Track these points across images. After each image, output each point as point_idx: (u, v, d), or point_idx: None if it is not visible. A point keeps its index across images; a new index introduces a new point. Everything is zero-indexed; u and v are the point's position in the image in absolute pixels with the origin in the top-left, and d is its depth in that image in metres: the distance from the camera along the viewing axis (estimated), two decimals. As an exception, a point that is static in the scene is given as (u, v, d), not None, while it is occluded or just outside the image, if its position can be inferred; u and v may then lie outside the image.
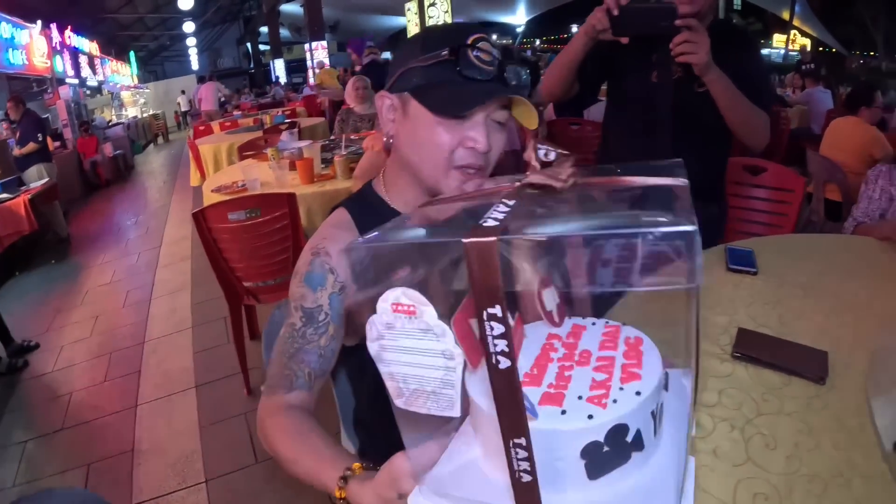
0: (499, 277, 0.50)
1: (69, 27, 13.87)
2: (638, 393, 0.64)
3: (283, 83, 20.89)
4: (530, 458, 0.58)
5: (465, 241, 0.50)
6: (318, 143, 4.21)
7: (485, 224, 0.53)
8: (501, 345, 0.52)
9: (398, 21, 19.33)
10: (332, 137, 4.77)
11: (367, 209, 1.19)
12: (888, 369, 1.28)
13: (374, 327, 0.61)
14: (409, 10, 11.90)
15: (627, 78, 1.97)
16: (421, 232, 0.67)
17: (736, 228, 2.72)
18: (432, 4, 11.28)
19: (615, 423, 0.62)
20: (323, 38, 18.91)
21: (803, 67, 10.13)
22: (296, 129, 4.93)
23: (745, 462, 0.99)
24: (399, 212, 1.17)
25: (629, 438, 0.64)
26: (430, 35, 1.09)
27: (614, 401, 0.63)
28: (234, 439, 2.75)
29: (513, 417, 0.56)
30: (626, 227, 0.53)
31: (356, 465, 0.86)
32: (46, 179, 6.76)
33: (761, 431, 1.06)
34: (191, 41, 23.92)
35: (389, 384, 0.63)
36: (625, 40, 1.80)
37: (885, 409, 1.16)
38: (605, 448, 0.63)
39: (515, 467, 0.59)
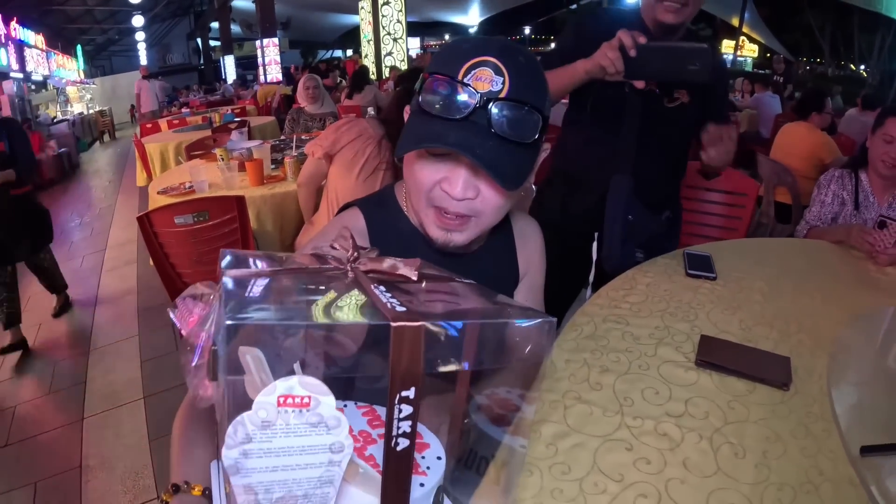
0: (421, 361, 0.51)
1: (14, 18, 13.39)
2: (439, 458, 0.70)
3: (232, 80, 20.52)
4: None
5: (393, 324, 0.50)
6: (268, 143, 4.12)
7: (395, 308, 0.54)
8: (405, 426, 0.53)
9: (352, 19, 19.24)
10: (283, 137, 4.68)
11: (385, 217, 1.09)
12: (848, 374, 1.30)
13: (241, 429, 0.51)
14: (362, 8, 11.80)
15: (598, 88, 1.84)
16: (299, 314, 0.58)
17: (691, 232, 2.75)
18: (386, 3, 11.20)
19: (437, 485, 0.67)
20: (275, 35, 18.65)
21: (775, 78, 10.35)
22: (245, 129, 4.81)
23: (716, 473, 0.98)
24: (414, 226, 1.08)
25: (440, 498, 0.69)
26: (441, 52, 0.93)
27: (428, 467, 0.68)
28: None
29: (397, 496, 0.57)
30: (521, 319, 0.63)
31: (198, 487, 0.79)
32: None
33: (729, 440, 1.05)
34: (140, 35, 23.28)
35: (242, 499, 0.53)
36: (640, 84, 1.63)
37: (849, 414, 1.18)
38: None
39: None
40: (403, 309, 0.54)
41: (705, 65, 1.49)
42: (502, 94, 0.85)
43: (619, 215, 1.78)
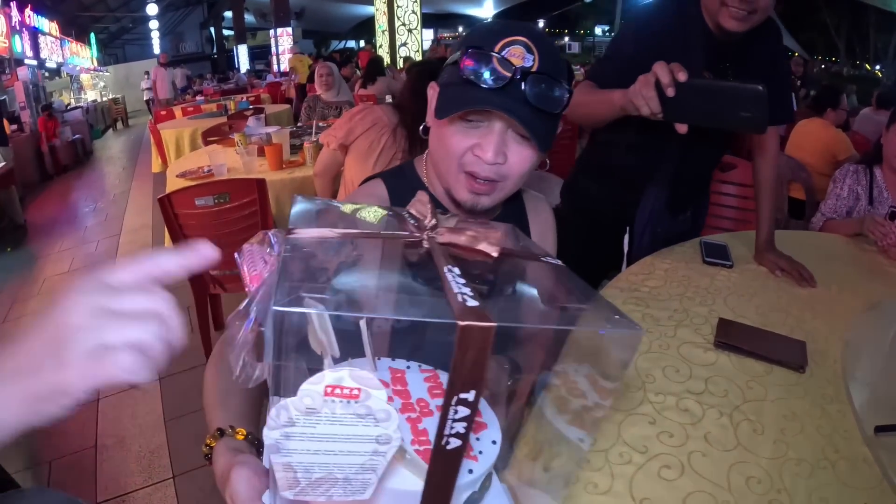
0: (486, 365, 0.47)
1: (29, 6, 13.44)
2: (494, 442, 0.66)
3: (245, 70, 20.55)
4: None
5: (461, 323, 0.46)
6: (286, 128, 4.14)
7: (465, 302, 0.48)
8: (460, 427, 0.50)
9: (365, 10, 19.16)
10: (300, 124, 4.71)
11: (406, 187, 1.12)
12: (861, 358, 1.33)
13: (284, 413, 0.49)
14: (377, -2, 11.82)
15: None
16: (376, 302, 0.58)
17: (707, 223, 2.76)
18: (401, -6, 11.22)
19: (485, 473, 0.64)
20: (288, 25, 18.67)
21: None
22: (262, 115, 4.84)
23: (736, 447, 1.01)
24: (436, 199, 1.12)
25: (488, 483, 0.67)
26: (473, 33, 1.03)
27: (480, 452, 0.64)
28: (200, 433, 2.62)
29: (440, 493, 0.54)
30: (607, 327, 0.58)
31: (241, 430, 0.81)
32: (2, 164, 6.52)
33: (748, 417, 1.08)
34: (153, 24, 23.28)
35: (281, 475, 0.52)
36: (682, 129, 1.38)
37: (863, 395, 1.22)
38: (475, 498, 0.64)
39: None
40: (475, 304, 0.48)
41: (760, 112, 1.26)
42: (534, 69, 0.93)
43: (647, 229, 1.81)
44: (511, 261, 0.66)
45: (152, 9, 20.61)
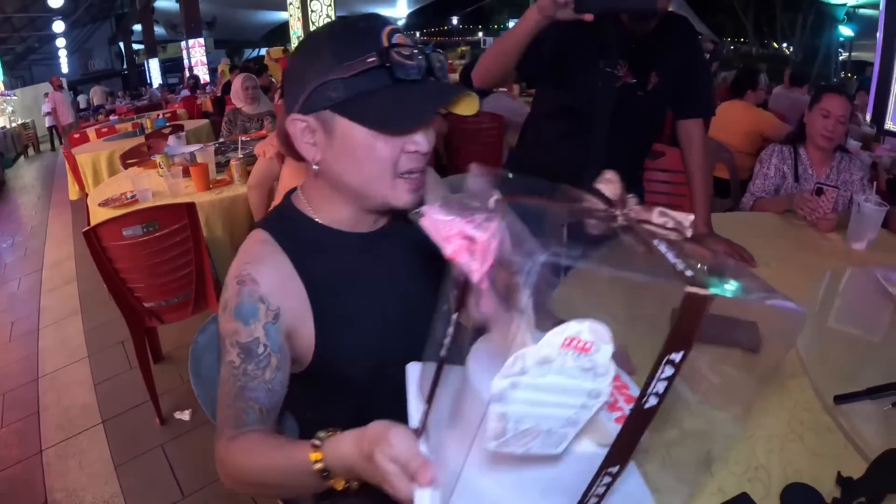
0: (699, 329, 0.49)
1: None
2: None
3: (158, 85, 19.92)
4: (610, 484, 0.60)
5: (688, 289, 0.48)
6: (210, 146, 4.02)
7: (686, 273, 0.50)
8: (661, 387, 0.52)
9: (278, 16, 18.91)
10: (222, 140, 4.59)
11: (290, 228, 1.09)
12: (813, 333, 1.42)
13: (519, 363, 0.52)
14: (290, 4, 11.58)
15: (570, 81, 1.89)
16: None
17: (641, 210, 2.82)
18: (315, -1, 11.06)
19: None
20: (200, 36, 18.21)
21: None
22: (182, 133, 4.69)
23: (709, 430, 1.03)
24: (328, 227, 1.09)
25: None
26: (339, 39, 0.95)
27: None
28: (155, 475, 2.57)
29: (623, 450, 0.57)
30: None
31: (324, 432, 0.84)
32: None
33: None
34: (60, 42, 22.33)
35: (493, 425, 0.55)
36: (589, 17, 1.54)
37: (819, 368, 1.30)
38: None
39: (592, 491, 0.60)
40: (691, 273, 0.51)
41: None
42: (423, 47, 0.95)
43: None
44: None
45: (59, 26, 19.72)
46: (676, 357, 0.51)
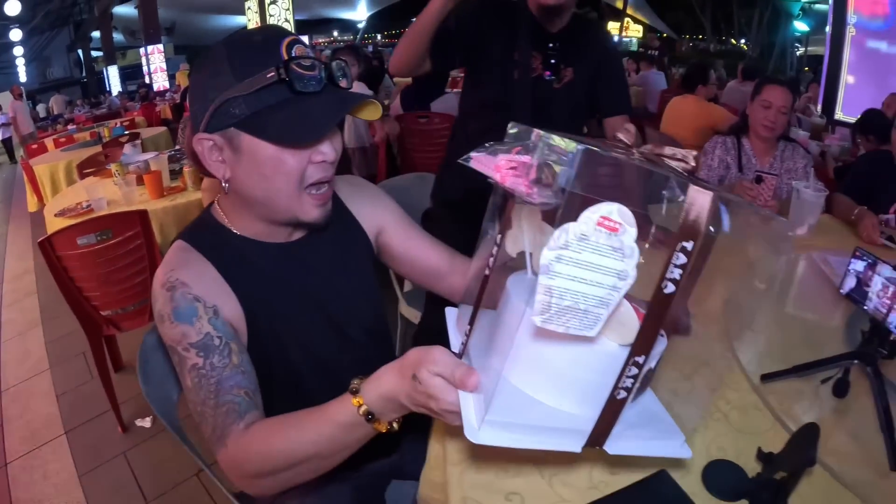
0: (706, 222, 0.60)
1: None
2: (661, 334, 0.77)
3: (117, 92, 19.59)
4: (637, 377, 0.68)
5: (692, 188, 0.60)
6: (164, 153, 4.00)
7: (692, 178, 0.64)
8: (676, 273, 0.61)
9: (238, 20, 18.71)
10: (178, 147, 4.56)
11: (209, 237, 1.10)
12: (741, 315, 1.46)
13: (565, 235, 0.61)
14: (248, 8, 11.51)
15: (487, 73, 1.96)
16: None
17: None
18: (273, 3, 10.97)
19: (659, 355, 0.78)
20: (159, 42, 17.93)
21: (648, 53, 10.92)
22: (138, 141, 4.65)
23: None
24: (246, 238, 1.11)
25: (652, 376, 0.82)
26: (237, 55, 0.95)
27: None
28: (118, 482, 2.56)
29: (648, 338, 0.66)
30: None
31: (357, 379, 0.85)
32: None
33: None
34: (18, 51, 21.86)
35: (540, 297, 0.63)
36: None
37: (746, 349, 1.34)
38: (650, 375, 0.80)
39: (620, 384, 0.69)
40: (695, 181, 0.62)
41: None
42: (323, 59, 0.96)
43: None
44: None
45: (16, 34, 19.31)
46: (689, 245, 0.60)
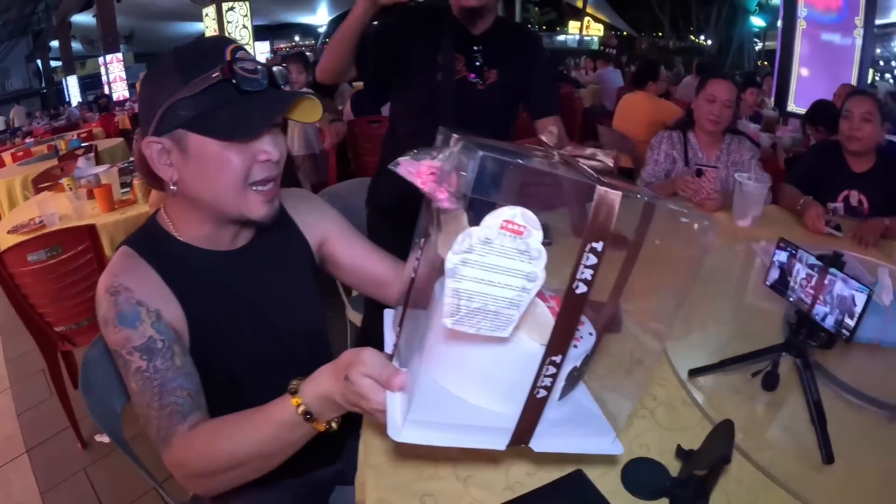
0: (613, 222, 0.62)
1: None
2: (591, 334, 0.83)
3: (77, 103, 19.21)
4: (555, 375, 0.70)
5: (599, 188, 0.62)
6: (115, 166, 3.94)
7: (599, 178, 0.65)
8: (587, 274, 0.63)
9: (197, 27, 18.46)
10: (132, 159, 4.50)
11: (154, 244, 1.12)
12: (672, 310, 1.46)
13: (468, 239, 0.62)
14: (206, 15, 11.39)
15: (412, 77, 1.99)
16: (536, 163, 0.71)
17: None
18: (231, 9, 10.87)
19: (586, 354, 0.80)
20: (118, 51, 17.62)
21: (606, 51, 11.05)
22: (92, 154, 4.58)
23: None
24: (189, 245, 1.13)
25: (584, 371, 0.84)
26: (184, 60, 1.00)
27: (581, 336, 0.80)
28: (79, 498, 2.54)
29: (562, 338, 0.68)
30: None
31: (295, 380, 0.89)
32: None
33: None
34: (-24, 63, 21.40)
35: (449, 300, 0.64)
36: None
37: (675, 346, 1.36)
38: (576, 374, 0.81)
39: (539, 383, 0.70)
40: (606, 181, 0.64)
41: None
42: (270, 63, 0.99)
43: None
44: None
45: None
46: (598, 246, 0.62)
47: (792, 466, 1.03)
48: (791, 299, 1.22)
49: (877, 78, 11.94)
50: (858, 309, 1.02)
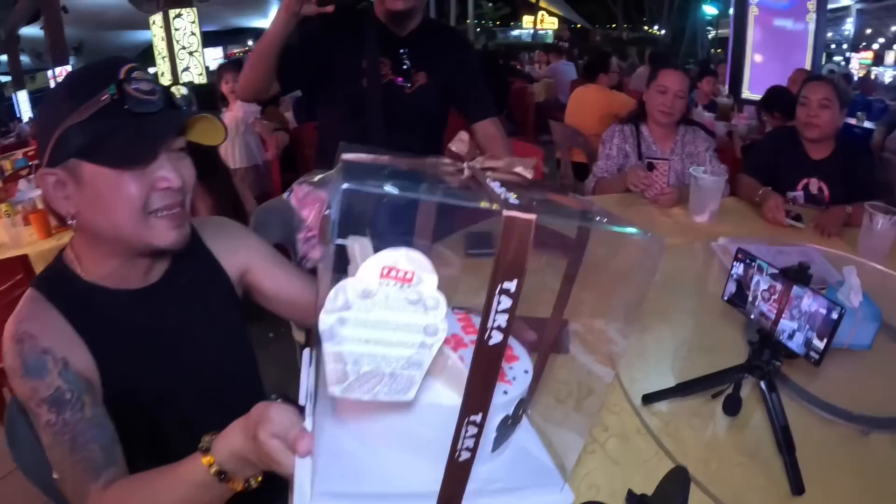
0: (528, 254, 0.49)
1: None
2: (526, 371, 0.73)
3: (28, 119, 18.75)
4: (478, 436, 0.58)
5: (505, 212, 0.48)
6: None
7: (508, 199, 0.51)
8: (502, 320, 0.51)
9: (146, 35, 18.17)
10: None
11: (59, 284, 1.03)
12: (627, 333, 1.37)
13: (343, 295, 0.51)
14: (153, 23, 11.12)
15: (337, 85, 1.90)
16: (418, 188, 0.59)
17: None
18: (178, 16, 10.60)
19: (521, 397, 0.70)
20: (67, 63, 17.18)
21: (559, 44, 11.10)
22: (33, 176, 4.37)
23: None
24: (96, 285, 1.05)
25: (520, 412, 0.73)
26: (75, 84, 0.95)
27: (514, 378, 0.70)
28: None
29: (480, 394, 0.56)
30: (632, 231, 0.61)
31: (208, 435, 0.82)
32: None
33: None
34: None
35: (331, 367, 0.54)
36: (330, 8, 1.64)
37: (629, 366, 1.26)
38: (509, 422, 0.70)
39: (460, 445, 0.59)
40: (517, 202, 0.51)
41: None
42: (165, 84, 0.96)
43: None
44: (543, 186, 0.70)
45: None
46: (510, 286, 0.50)
47: (758, 499, 0.95)
48: (752, 316, 1.09)
49: (831, 62, 12.13)
50: (828, 328, 0.91)
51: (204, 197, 2.29)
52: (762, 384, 1.05)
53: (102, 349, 1.02)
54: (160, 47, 11.12)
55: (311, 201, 0.66)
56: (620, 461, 1.02)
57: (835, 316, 0.89)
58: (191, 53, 10.82)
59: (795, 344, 0.97)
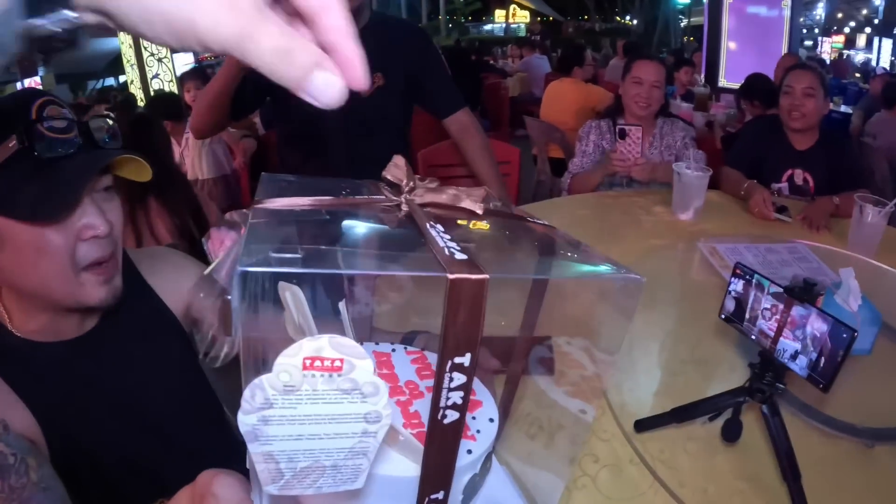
0: (481, 322, 0.42)
1: None
2: (491, 420, 0.64)
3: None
4: None
5: (451, 276, 0.40)
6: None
7: (454, 255, 0.43)
8: (456, 397, 0.45)
9: (114, 43, 17.93)
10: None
11: None
12: (610, 348, 1.28)
13: (259, 394, 0.42)
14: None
15: (290, 100, 1.79)
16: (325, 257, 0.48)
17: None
18: (145, 22, 10.43)
19: (485, 453, 0.61)
20: (36, 73, 16.88)
21: (531, 38, 11.11)
22: None
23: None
24: (29, 340, 0.95)
25: (488, 464, 0.65)
26: None
27: (478, 431, 0.62)
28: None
29: (439, 473, 0.51)
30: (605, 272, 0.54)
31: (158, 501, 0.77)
32: None
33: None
34: None
35: (262, 467, 0.45)
36: None
37: (618, 388, 1.17)
38: (476, 482, 0.62)
39: None
40: (464, 257, 0.43)
41: None
42: (84, 118, 0.87)
43: None
44: (496, 220, 0.62)
45: None
46: (463, 360, 0.43)
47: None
48: (752, 337, 0.98)
49: (801, 47, 12.22)
50: (838, 351, 0.81)
51: (163, 216, 2.15)
52: (764, 408, 0.96)
53: (42, 406, 0.94)
54: (128, 54, 10.93)
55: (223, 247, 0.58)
56: (613, 496, 0.93)
57: (845, 337, 0.79)
58: (160, 60, 10.60)
59: (799, 367, 0.87)
